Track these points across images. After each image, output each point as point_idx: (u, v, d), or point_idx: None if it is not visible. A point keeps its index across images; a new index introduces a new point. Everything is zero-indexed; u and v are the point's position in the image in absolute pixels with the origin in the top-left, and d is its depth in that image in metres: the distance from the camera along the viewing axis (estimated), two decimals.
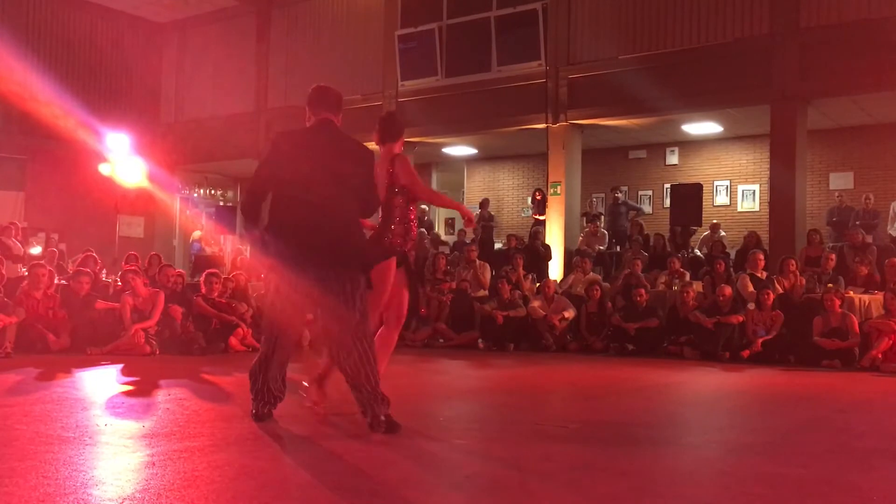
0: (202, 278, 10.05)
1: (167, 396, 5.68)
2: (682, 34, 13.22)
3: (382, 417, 4.21)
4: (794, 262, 10.65)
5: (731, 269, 11.79)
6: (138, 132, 16.86)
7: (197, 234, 17.52)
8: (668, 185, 15.38)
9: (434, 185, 19.18)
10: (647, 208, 16.44)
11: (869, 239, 12.36)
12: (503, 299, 11.21)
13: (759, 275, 10.72)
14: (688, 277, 11.66)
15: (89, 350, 8.62)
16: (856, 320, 9.28)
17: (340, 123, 4.55)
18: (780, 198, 12.47)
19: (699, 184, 13.70)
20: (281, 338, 4.43)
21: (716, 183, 15.78)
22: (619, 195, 15.53)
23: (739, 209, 15.64)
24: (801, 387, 7.49)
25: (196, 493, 3.03)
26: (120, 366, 7.61)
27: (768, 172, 13.30)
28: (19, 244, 13.50)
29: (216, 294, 9.82)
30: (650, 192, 16.64)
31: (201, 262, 15.15)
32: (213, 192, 20.64)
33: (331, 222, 4.27)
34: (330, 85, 4.63)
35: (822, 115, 13.28)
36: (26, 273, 9.86)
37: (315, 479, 3.38)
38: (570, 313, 11.03)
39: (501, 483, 3.42)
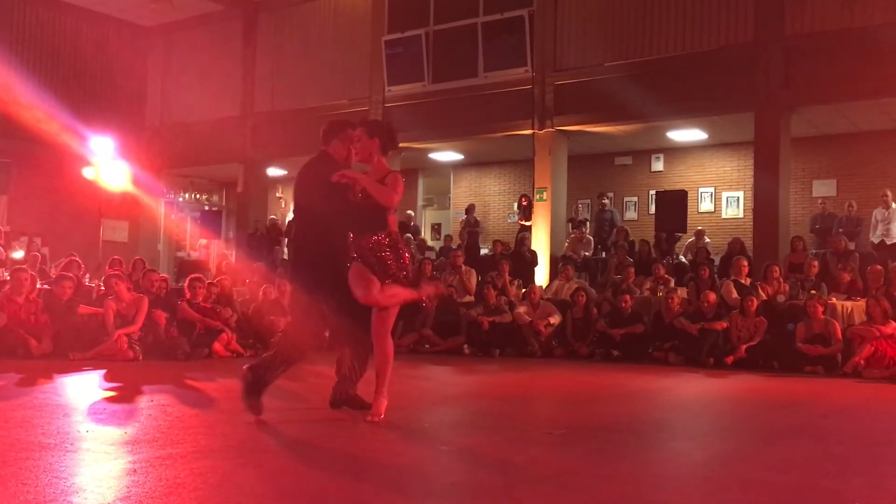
0: (186, 283, 9.98)
1: (150, 402, 5.64)
2: (667, 41, 13.30)
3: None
4: (777, 268, 10.71)
5: (716, 276, 11.84)
6: (123, 136, 16.72)
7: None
8: (653, 192, 15.42)
9: (420, 191, 19.22)
10: (631, 214, 16.52)
11: (851, 246, 12.45)
12: (489, 305, 11.22)
13: (743, 281, 10.78)
14: (672, 284, 11.71)
15: (72, 355, 8.51)
16: (838, 327, 9.33)
17: (339, 146, 5.04)
18: (764, 205, 12.55)
19: (684, 190, 13.74)
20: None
21: (700, 190, 15.86)
22: (606, 201, 15.60)
23: (724, 216, 15.72)
24: (784, 393, 7.53)
25: (179, 501, 3.01)
26: (102, 371, 7.55)
27: (752, 179, 13.38)
28: (1, 248, 13.39)
29: (201, 299, 9.75)
30: (635, 199, 16.70)
31: (186, 266, 15.10)
32: (198, 196, 20.53)
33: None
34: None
35: (806, 123, 13.38)
36: (8, 277, 9.76)
37: (298, 485, 3.37)
38: (555, 319, 11.05)
39: (487, 490, 3.41)
